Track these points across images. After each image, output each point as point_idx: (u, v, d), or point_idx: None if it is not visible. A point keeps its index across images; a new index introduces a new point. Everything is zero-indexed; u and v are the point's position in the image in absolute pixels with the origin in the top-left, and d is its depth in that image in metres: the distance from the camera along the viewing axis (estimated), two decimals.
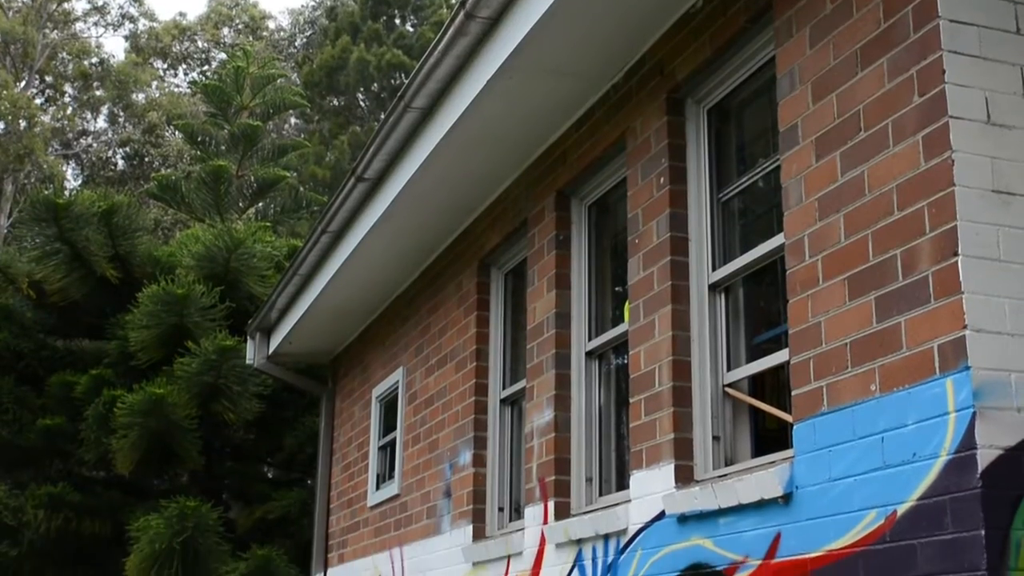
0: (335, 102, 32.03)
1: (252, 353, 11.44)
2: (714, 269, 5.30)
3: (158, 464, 13.76)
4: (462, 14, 5.74)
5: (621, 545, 5.42)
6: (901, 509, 3.74)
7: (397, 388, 9.19)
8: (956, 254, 3.68)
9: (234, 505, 15.52)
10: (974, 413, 3.53)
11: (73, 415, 13.84)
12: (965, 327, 3.61)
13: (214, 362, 12.80)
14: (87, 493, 14.22)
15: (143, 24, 37.99)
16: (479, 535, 7.23)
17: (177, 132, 25.71)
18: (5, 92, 30.48)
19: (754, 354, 5.18)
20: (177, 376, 13.03)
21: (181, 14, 39.21)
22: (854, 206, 4.16)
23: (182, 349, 13.03)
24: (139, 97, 35.04)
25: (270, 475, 16.53)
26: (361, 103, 32.13)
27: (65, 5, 35.85)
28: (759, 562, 4.39)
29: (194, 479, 14.96)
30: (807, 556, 4.14)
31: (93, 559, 14.28)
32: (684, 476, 5.07)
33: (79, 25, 36.85)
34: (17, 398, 14.43)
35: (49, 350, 14.80)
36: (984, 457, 3.50)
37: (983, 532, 3.43)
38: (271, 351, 11.14)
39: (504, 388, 7.43)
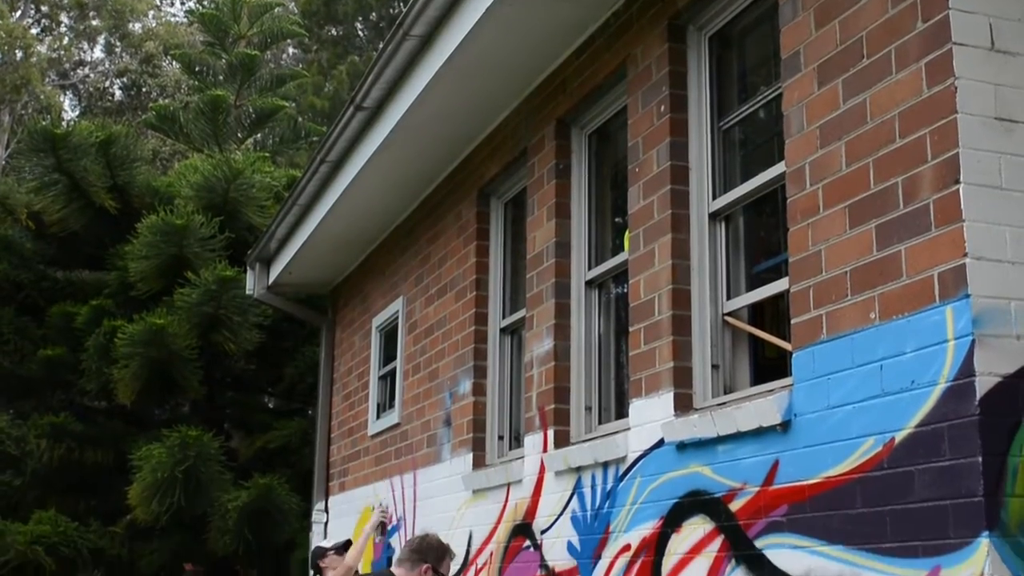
0: (333, 31, 31.76)
1: (252, 283, 11.44)
2: (714, 198, 5.29)
3: (159, 394, 13.83)
4: None
5: (620, 473, 5.46)
6: (899, 436, 3.76)
7: (397, 318, 9.20)
8: (957, 182, 3.66)
9: (235, 435, 15.62)
10: (973, 341, 3.53)
11: (74, 346, 13.88)
12: (965, 255, 3.60)
13: (214, 292, 12.82)
14: (89, 423, 14.30)
15: None
16: (479, 463, 7.27)
17: (174, 62, 25.50)
18: (0, 21, 30.22)
19: (754, 283, 5.18)
20: (177, 307, 13.05)
21: None
22: (856, 134, 4.14)
23: (182, 280, 13.04)
24: (136, 27, 34.73)
25: (271, 405, 16.61)
26: (359, 32, 31.87)
27: None
28: (757, 489, 4.42)
29: (195, 409, 15.03)
30: (805, 483, 4.17)
31: (96, 488, 14.39)
32: (683, 404, 5.09)
33: None
34: (18, 329, 14.47)
35: (49, 281, 14.81)
36: (982, 384, 3.51)
37: (980, 458, 3.45)
38: (271, 281, 11.15)
39: (504, 317, 7.44)
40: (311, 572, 8.48)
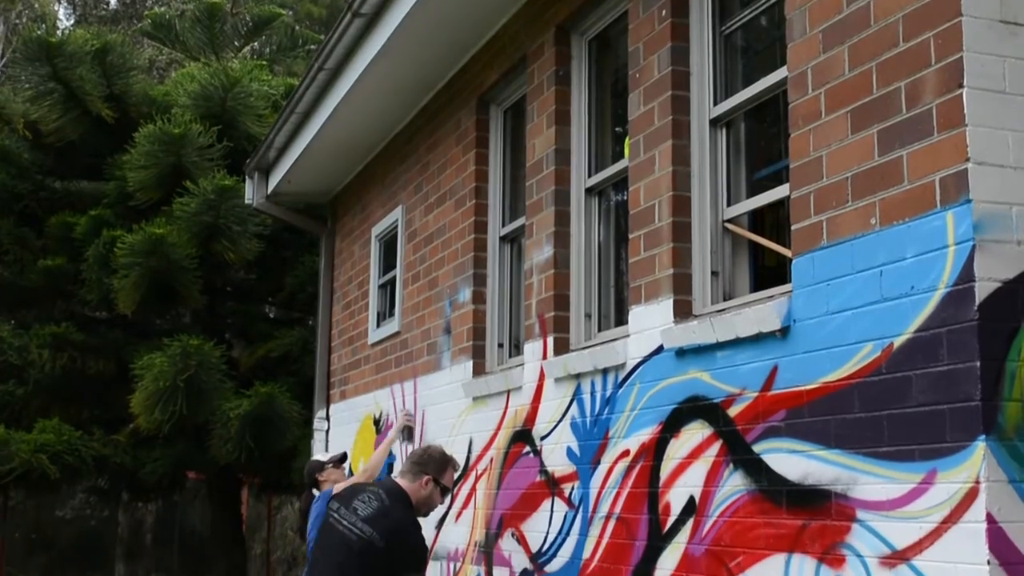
0: None
1: (251, 193, 11.40)
2: (715, 104, 5.25)
3: (160, 304, 13.87)
4: None
5: (619, 379, 5.49)
6: (897, 341, 3.77)
7: (396, 226, 9.19)
8: (961, 86, 3.63)
9: (236, 344, 15.69)
10: (973, 246, 3.53)
11: (74, 256, 13.89)
12: (967, 160, 3.58)
13: (213, 202, 12.79)
14: (90, 333, 14.35)
15: None
16: (479, 371, 7.31)
17: None
18: None
19: (754, 189, 5.17)
20: (176, 216, 13.03)
21: None
22: (859, 37, 4.09)
23: (181, 189, 13.01)
24: None
25: (271, 314, 16.67)
26: None
27: None
28: (756, 394, 4.45)
29: (196, 318, 15.08)
30: (803, 388, 4.19)
31: (98, 397, 14.49)
32: (682, 311, 5.10)
33: None
34: (17, 239, 14.47)
35: (48, 191, 14.76)
36: (982, 289, 3.51)
37: (979, 363, 3.47)
38: (270, 191, 11.11)
39: (503, 225, 7.43)
40: (308, 486, 8.55)
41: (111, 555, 28.67)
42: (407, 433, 8.31)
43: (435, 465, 5.84)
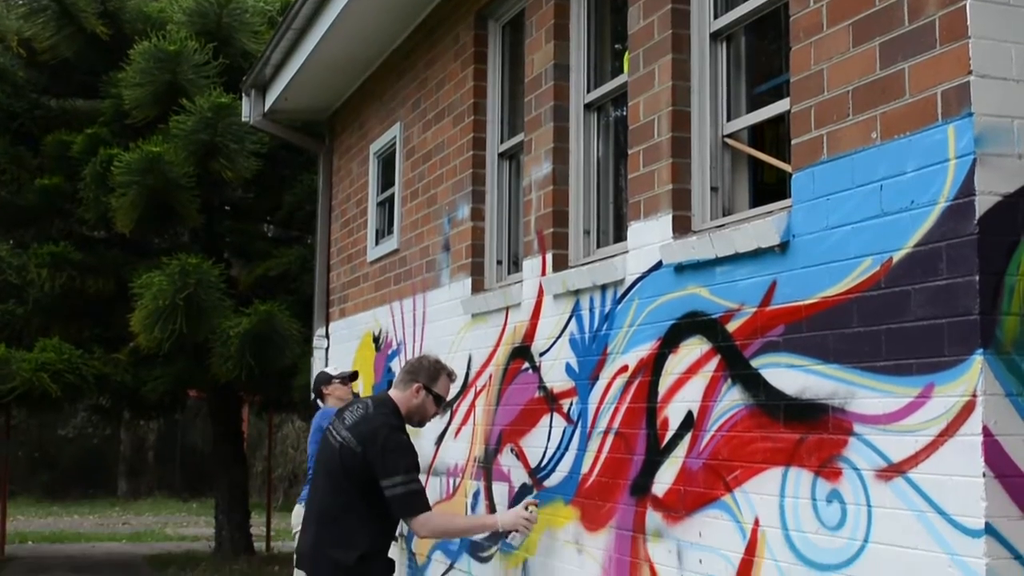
0: None
1: (248, 110, 11.32)
2: (716, 17, 5.19)
3: (158, 223, 13.87)
4: None
5: (618, 295, 5.49)
6: (897, 256, 3.76)
7: (395, 144, 9.14)
8: None
9: (235, 263, 15.71)
10: (974, 159, 3.51)
11: (71, 174, 13.85)
12: (970, 73, 3.55)
13: (210, 120, 12.73)
14: (89, 252, 14.37)
15: None
16: (478, 288, 7.32)
17: None
18: None
19: (755, 104, 5.13)
20: (173, 134, 12.98)
21: None
22: None
23: (177, 107, 12.94)
24: None
25: (270, 233, 16.67)
26: None
27: None
28: (754, 309, 4.45)
29: (195, 237, 15.09)
30: (802, 303, 4.19)
31: (98, 316, 14.54)
32: (681, 226, 5.08)
33: None
34: (13, 158, 14.42)
35: (43, 109, 14.69)
36: (982, 203, 3.49)
37: (977, 277, 3.46)
38: (267, 108, 11.03)
39: (502, 142, 7.39)
40: (313, 397, 8.60)
41: (113, 473, 28.99)
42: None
43: (426, 373, 5.87)
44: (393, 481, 5.48)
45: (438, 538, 7.22)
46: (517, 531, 5.90)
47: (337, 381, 8.25)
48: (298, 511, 7.60)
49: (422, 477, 5.87)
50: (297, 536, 6.46)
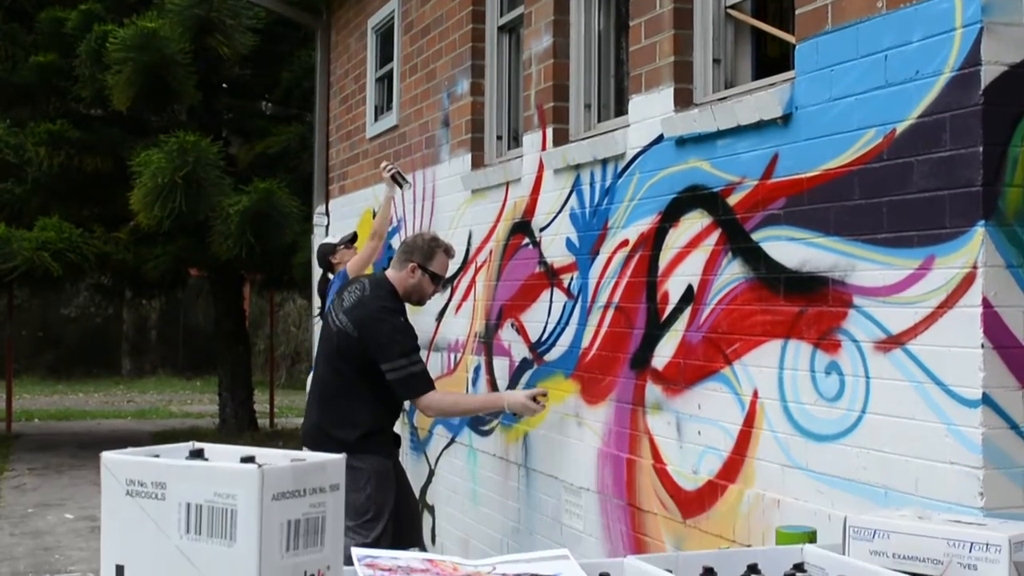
0: None
1: None
2: None
3: (155, 100, 13.76)
4: None
5: (619, 169, 5.46)
6: (900, 127, 3.72)
7: (393, 18, 9.02)
8: None
9: (233, 141, 15.64)
10: (981, 28, 3.45)
11: (66, 52, 13.72)
12: None
13: None
14: (86, 130, 14.29)
15: None
16: (478, 163, 7.28)
17: None
18: None
19: None
20: (168, 9, 12.82)
21: None
22: None
23: None
24: None
25: (268, 111, 16.56)
26: None
27: None
28: (756, 182, 4.43)
29: (192, 115, 14.98)
30: (803, 175, 4.16)
31: (98, 195, 14.53)
32: (683, 99, 5.03)
33: None
34: (7, 35, 14.27)
35: None
36: (988, 73, 3.44)
37: (981, 148, 3.43)
38: None
39: (502, 15, 7.27)
40: (322, 272, 8.61)
41: (117, 352, 29.20)
42: (398, 180, 7.53)
43: (421, 252, 5.85)
44: (394, 365, 5.51)
45: (444, 417, 7.28)
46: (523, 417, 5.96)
47: (340, 247, 8.28)
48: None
49: (423, 353, 5.90)
50: None
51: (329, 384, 5.72)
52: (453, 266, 6.46)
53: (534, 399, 5.71)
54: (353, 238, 8.43)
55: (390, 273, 5.87)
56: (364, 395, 5.60)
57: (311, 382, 6.17)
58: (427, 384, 5.65)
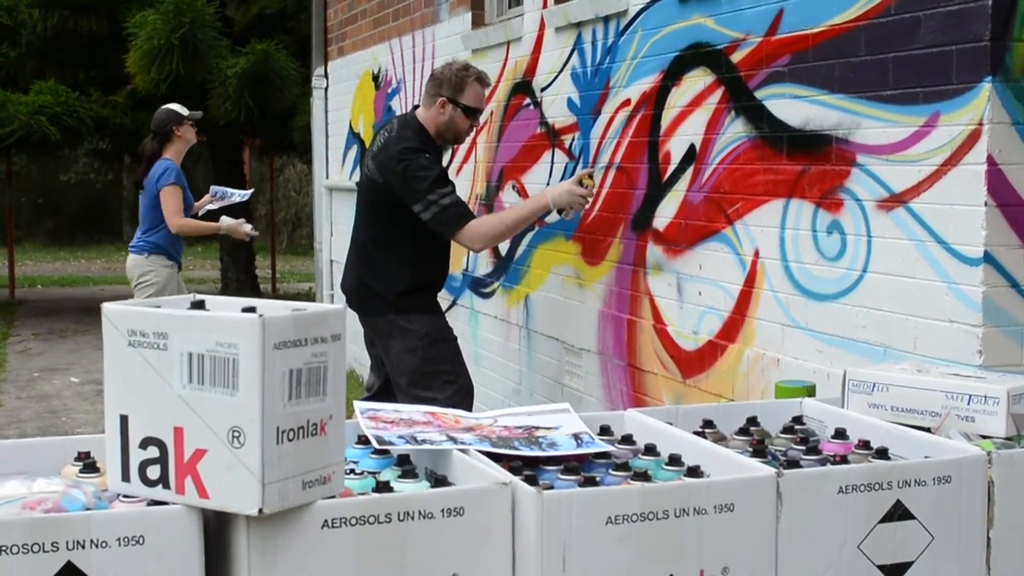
0: None
1: None
2: None
3: None
4: None
5: (621, 27, 5.37)
6: None
7: None
8: None
9: (230, 2, 15.38)
10: None
11: None
12: None
13: None
14: None
15: None
16: (478, 22, 7.17)
17: None
18: None
19: None
20: None
21: None
22: None
23: None
24: None
25: None
26: None
27: None
28: (760, 39, 4.36)
29: None
30: (808, 32, 4.10)
31: (94, 58, 14.35)
32: None
33: None
34: None
35: None
36: None
37: (990, 2, 3.36)
38: None
39: None
40: (152, 136, 7.88)
41: (118, 218, 29.18)
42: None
43: (450, 85, 5.28)
44: (425, 203, 5.05)
45: (494, 243, 6.01)
46: (572, 208, 5.25)
47: (188, 123, 7.68)
48: None
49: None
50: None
51: (366, 237, 5.32)
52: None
53: (579, 183, 5.15)
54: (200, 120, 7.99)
55: (420, 112, 5.35)
56: (403, 248, 5.21)
57: (352, 237, 5.68)
58: (464, 215, 5.15)
